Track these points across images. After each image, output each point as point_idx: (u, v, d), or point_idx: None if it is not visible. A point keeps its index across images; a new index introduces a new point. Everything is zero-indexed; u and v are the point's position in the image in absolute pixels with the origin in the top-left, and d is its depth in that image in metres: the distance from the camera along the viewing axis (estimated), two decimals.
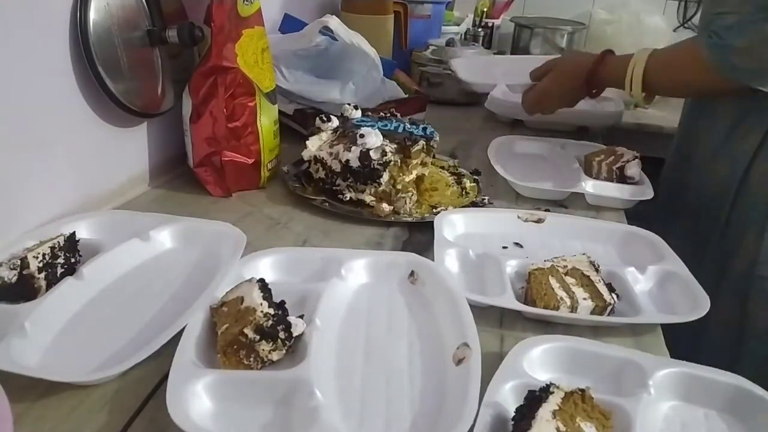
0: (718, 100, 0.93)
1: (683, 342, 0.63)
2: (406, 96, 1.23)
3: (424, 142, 0.87)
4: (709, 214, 0.92)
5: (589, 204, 0.91)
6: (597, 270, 0.68)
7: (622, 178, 0.95)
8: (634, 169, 0.95)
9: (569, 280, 0.66)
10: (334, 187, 0.85)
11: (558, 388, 0.47)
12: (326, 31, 1.07)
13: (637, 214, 0.91)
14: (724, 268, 0.89)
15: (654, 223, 0.83)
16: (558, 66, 1.08)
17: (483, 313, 0.62)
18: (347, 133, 0.87)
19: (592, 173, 0.96)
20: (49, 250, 0.60)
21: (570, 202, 0.92)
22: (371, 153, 0.82)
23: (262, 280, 0.58)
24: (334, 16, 1.09)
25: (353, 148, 0.82)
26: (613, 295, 0.64)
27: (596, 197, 0.91)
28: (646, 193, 0.92)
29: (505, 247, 0.77)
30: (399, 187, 0.84)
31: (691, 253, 0.77)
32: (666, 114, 1.56)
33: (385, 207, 0.83)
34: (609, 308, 0.63)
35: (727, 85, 0.83)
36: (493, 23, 1.88)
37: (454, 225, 0.79)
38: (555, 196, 0.92)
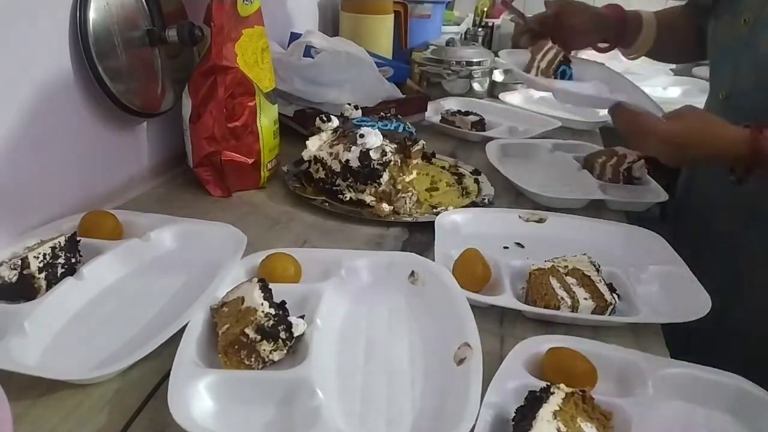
0: None
1: (683, 342, 0.63)
2: (406, 96, 1.23)
3: (424, 143, 0.87)
4: None
5: (610, 209, 0.90)
6: (598, 270, 0.68)
7: (629, 180, 0.94)
8: (641, 170, 0.95)
9: (570, 280, 0.66)
10: (334, 187, 0.85)
11: (559, 388, 0.47)
12: (311, 46, 1.08)
13: (636, 214, 0.91)
14: None
15: (654, 223, 0.82)
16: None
17: (483, 313, 0.62)
18: (347, 133, 0.87)
19: (594, 174, 0.96)
20: (49, 250, 0.60)
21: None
22: (371, 153, 0.82)
23: (262, 280, 0.58)
24: (315, 31, 1.10)
25: (353, 148, 0.82)
26: (614, 295, 0.64)
27: (619, 203, 0.90)
28: (661, 195, 0.91)
29: (506, 247, 0.77)
30: (399, 187, 0.84)
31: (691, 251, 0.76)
32: None
33: (385, 207, 0.83)
34: (610, 308, 0.63)
35: None
36: (493, 23, 1.89)
37: (454, 225, 0.79)
38: (577, 204, 0.90)
